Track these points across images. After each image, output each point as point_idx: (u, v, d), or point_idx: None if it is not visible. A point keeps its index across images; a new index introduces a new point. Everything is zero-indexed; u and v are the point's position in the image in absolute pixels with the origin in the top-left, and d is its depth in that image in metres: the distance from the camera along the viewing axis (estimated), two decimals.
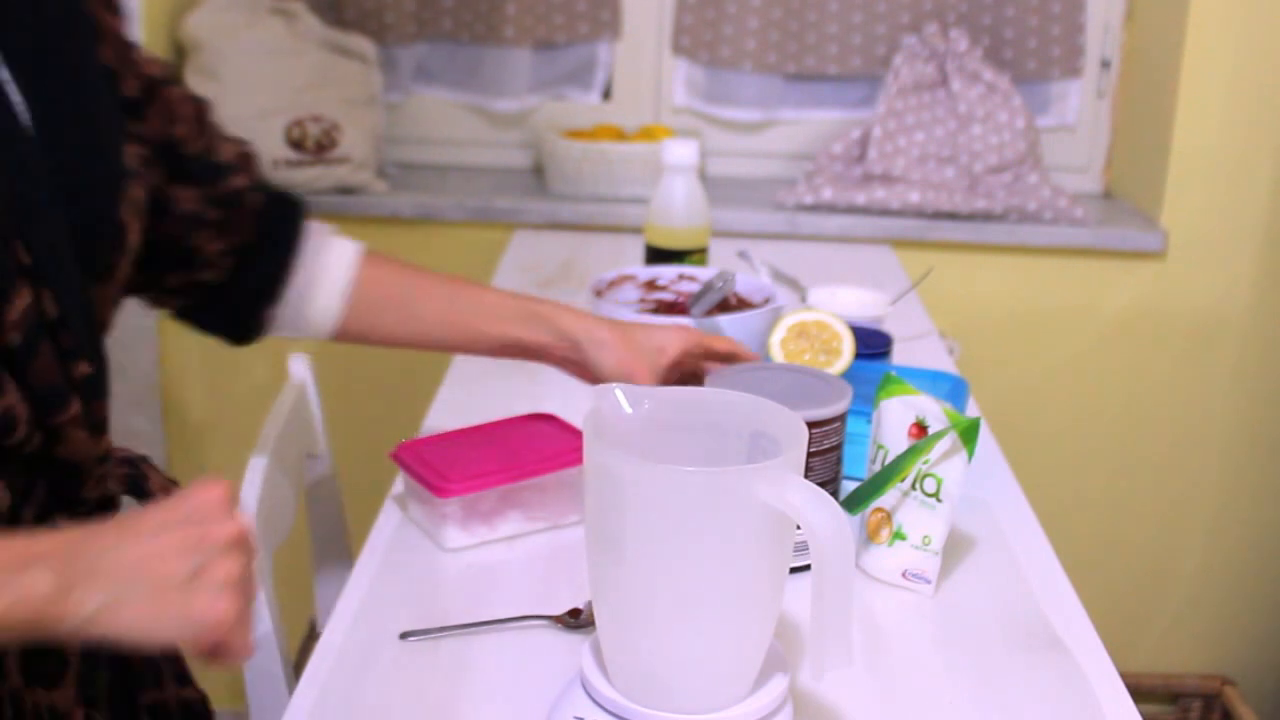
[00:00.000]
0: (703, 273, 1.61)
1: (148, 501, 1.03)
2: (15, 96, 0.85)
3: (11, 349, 0.81)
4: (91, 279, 0.91)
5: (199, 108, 1.07)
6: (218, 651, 0.74)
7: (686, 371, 1.21)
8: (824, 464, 1.11)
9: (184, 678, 1.08)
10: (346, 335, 1.19)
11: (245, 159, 1.11)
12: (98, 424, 0.92)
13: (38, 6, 0.88)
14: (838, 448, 1.12)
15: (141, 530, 0.74)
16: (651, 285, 1.60)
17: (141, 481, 1.02)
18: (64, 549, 0.73)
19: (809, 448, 0.98)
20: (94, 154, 0.91)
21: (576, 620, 1.03)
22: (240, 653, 0.75)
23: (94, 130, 0.92)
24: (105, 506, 0.98)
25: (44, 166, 0.85)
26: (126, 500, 1.03)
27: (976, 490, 1.26)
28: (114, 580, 0.72)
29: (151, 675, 1.03)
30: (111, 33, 0.97)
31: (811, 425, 1.01)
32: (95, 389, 0.90)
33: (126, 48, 1.00)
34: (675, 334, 1.19)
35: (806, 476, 0.88)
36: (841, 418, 1.11)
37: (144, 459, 1.05)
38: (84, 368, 0.88)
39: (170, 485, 1.05)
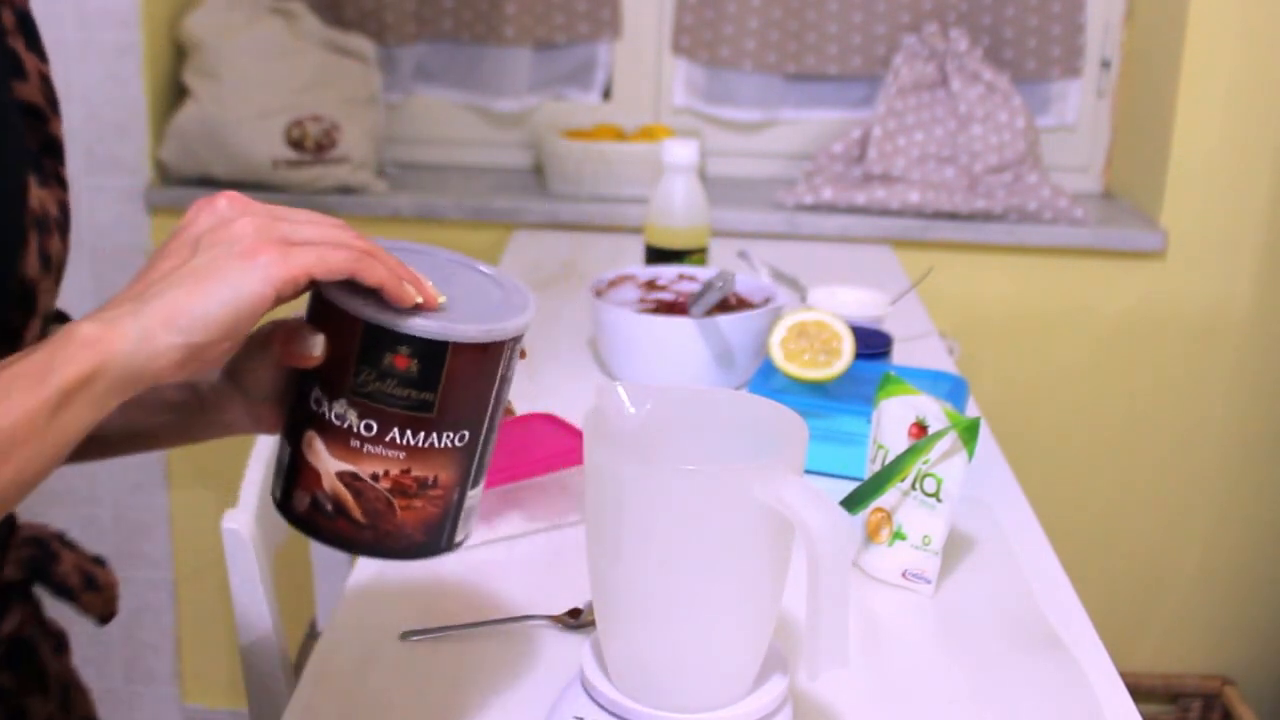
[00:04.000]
0: (703, 273, 1.62)
1: (54, 587, 0.92)
2: None
3: None
4: None
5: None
6: (383, 284, 0.69)
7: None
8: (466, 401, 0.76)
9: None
10: None
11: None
12: None
13: None
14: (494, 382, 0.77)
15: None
16: (651, 285, 1.60)
17: (48, 563, 0.92)
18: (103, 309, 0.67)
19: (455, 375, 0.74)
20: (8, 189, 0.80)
21: (576, 620, 1.03)
22: (397, 281, 0.70)
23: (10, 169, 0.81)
24: (4, 592, 0.89)
25: None
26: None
27: (976, 490, 1.26)
28: (174, 274, 0.66)
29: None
30: (37, 71, 0.89)
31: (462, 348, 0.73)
32: None
33: (52, 92, 0.90)
34: None
35: (441, 413, 0.74)
36: (504, 344, 0.76)
37: (59, 536, 0.94)
38: None
39: (88, 565, 0.95)
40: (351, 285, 0.72)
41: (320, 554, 1.60)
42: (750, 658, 0.83)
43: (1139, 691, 2.39)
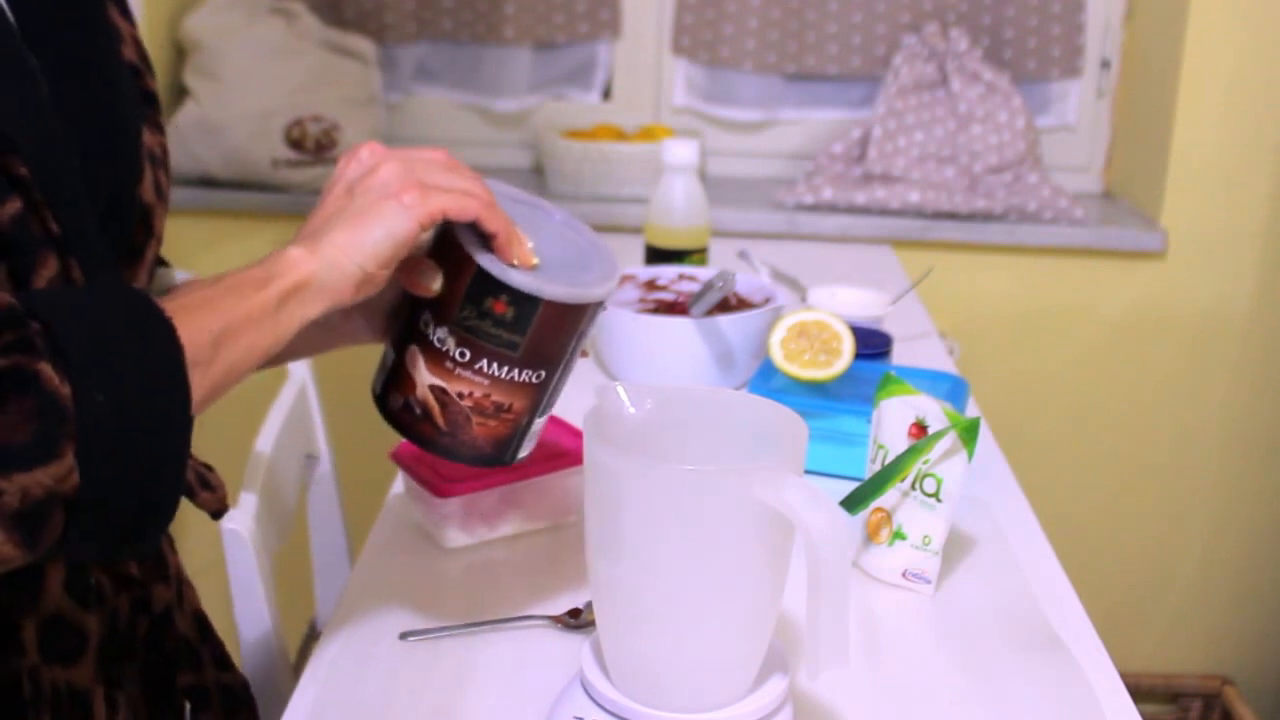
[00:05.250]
0: (703, 273, 1.62)
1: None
2: (41, 80, 0.86)
3: None
4: (120, 260, 0.92)
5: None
6: (497, 234, 0.85)
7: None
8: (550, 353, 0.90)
9: (224, 662, 1.08)
10: None
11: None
12: None
13: (60, 3, 0.90)
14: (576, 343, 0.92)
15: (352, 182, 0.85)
16: (651, 285, 1.60)
17: None
18: (299, 238, 0.84)
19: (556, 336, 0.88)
20: (115, 139, 0.92)
21: (576, 620, 1.03)
22: (509, 236, 0.85)
23: (116, 117, 0.93)
24: None
25: (69, 145, 0.85)
26: None
27: (976, 490, 1.26)
28: (339, 215, 0.83)
29: (190, 658, 1.03)
30: (130, 35, 0.99)
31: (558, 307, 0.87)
32: None
33: (144, 51, 1.01)
34: None
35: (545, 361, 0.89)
36: (592, 306, 0.90)
37: None
38: None
39: (200, 468, 1.03)
40: (472, 226, 0.87)
41: (320, 554, 1.60)
42: (750, 657, 0.83)
43: (1139, 691, 2.39)
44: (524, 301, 0.86)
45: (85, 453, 0.67)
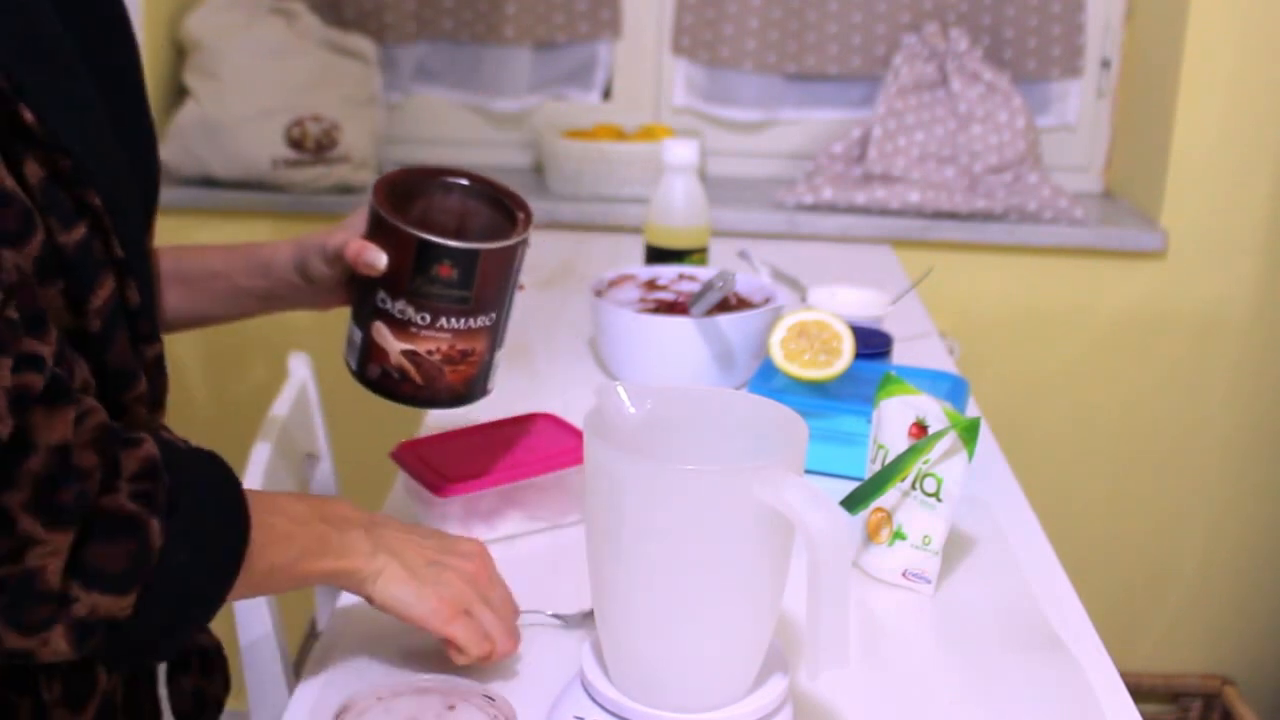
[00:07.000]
0: (703, 273, 1.62)
1: None
2: (99, 107, 0.91)
3: (90, 334, 0.87)
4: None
5: None
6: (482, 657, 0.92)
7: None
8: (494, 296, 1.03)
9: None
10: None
11: None
12: (158, 400, 0.97)
13: (110, 31, 0.97)
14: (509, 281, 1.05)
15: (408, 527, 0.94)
16: (651, 285, 1.60)
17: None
18: (365, 520, 0.91)
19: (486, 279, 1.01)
20: (149, 157, 1.00)
21: (576, 620, 1.03)
22: (493, 655, 0.92)
23: (150, 137, 1.00)
24: None
25: (127, 163, 0.92)
26: None
27: (976, 490, 1.26)
28: (394, 553, 0.90)
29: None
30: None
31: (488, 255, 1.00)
32: (161, 367, 0.96)
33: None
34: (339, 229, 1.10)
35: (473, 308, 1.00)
36: (516, 247, 1.03)
37: (163, 428, 1.06)
38: (155, 348, 0.95)
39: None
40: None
41: None
42: (750, 657, 0.83)
43: (1139, 691, 2.39)
44: (465, 259, 0.98)
45: (146, 595, 0.77)
